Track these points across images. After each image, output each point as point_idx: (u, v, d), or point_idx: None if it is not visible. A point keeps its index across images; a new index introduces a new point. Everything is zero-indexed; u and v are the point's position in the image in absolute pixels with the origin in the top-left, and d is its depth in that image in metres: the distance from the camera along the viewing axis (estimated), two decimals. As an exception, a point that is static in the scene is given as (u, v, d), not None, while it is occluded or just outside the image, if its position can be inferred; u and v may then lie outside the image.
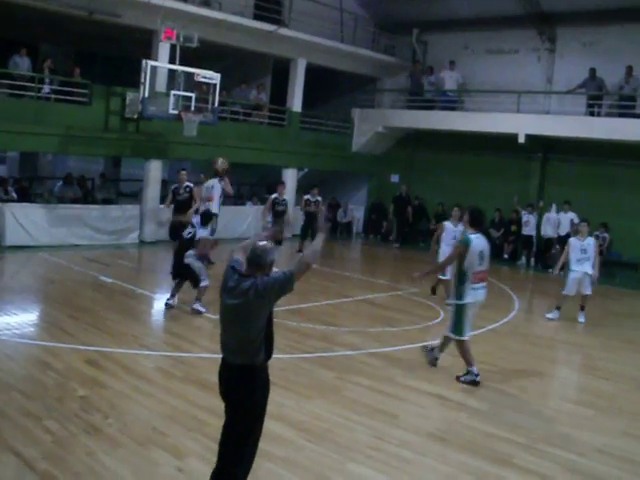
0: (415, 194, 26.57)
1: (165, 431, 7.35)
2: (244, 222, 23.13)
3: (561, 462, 7.52)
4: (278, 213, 18.64)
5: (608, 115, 22.49)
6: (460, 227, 14.44)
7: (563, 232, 21.68)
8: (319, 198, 20.44)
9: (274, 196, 18.79)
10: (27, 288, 14.21)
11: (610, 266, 21.54)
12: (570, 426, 8.61)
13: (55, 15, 18.63)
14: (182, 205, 16.90)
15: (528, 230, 23.05)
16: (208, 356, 10.05)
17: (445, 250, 14.68)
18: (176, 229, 15.79)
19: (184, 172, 17.62)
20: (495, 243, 24.07)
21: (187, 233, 12.88)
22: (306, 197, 20.51)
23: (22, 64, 19.35)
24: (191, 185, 17.28)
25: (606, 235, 21.82)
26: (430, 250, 15.77)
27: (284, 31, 22.78)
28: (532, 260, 23.29)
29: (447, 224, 15.45)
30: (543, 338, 13.60)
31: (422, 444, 7.65)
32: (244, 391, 5.49)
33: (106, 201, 22.19)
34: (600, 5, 22.15)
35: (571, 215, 21.75)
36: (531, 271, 22.71)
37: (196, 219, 13.01)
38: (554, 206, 22.40)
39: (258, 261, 5.57)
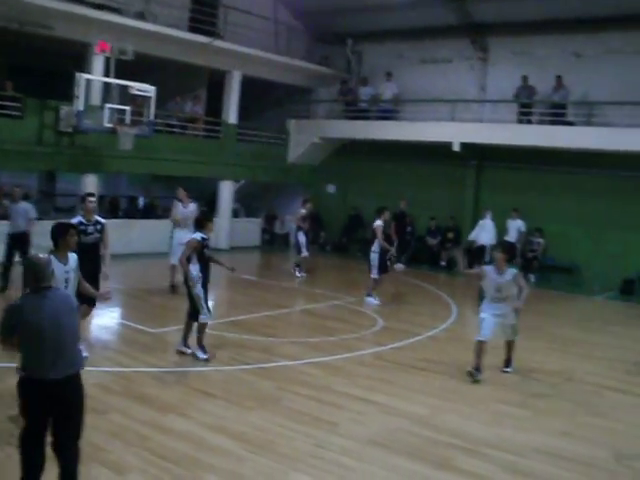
0: (352, 204, 26.74)
1: (105, 447, 7.30)
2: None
3: (501, 463, 7.68)
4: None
5: (540, 123, 22.88)
6: (507, 276, 10.86)
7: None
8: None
9: None
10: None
11: (545, 270, 21.98)
12: (509, 428, 8.77)
13: (-16, 28, 18.41)
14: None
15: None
16: (148, 370, 10.04)
17: None
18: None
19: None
20: (432, 251, 24.43)
21: None
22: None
23: (-48, 77, 19.12)
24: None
25: (541, 240, 22.27)
26: None
27: (219, 43, 22.77)
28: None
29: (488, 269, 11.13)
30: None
31: (363, 451, 7.72)
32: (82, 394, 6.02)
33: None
34: (530, 16, 22.58)
35: (519, 223, 22.13)
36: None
37: None
38: (489, 213, 22.50)
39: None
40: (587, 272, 22.00)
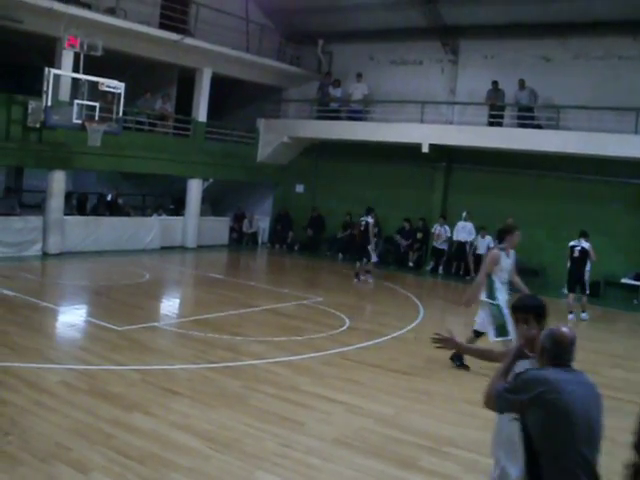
0: (315, 204, 26.82)
1: (69, 445, 7.23)
2: (148, 234, 22.96)
3: (465, 463, 7.72)
4: None
5: (508, 126, 23.02)
6: None
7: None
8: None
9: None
10: None
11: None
12: (473, 428, 8.79)
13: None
14: None
15: (442, 245, 23.48)
16: (113, 368, 9.98)
17: None
18: None
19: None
20: (401, 251, 24.53)
21: None
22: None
23: None
24: None
25: (507, 243, 22.43)
26: None
27: (189, 41, 22.67)
28: (440, 268, 23.72)
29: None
30: (447, 344, 13.84)
31: (328, 450, 7.72)
32: None
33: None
34: (501, 19, 22.74)
35: (488, 240, 22.51)
36: (438, 279, 23.10)
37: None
38: (469, 215, 23.13)
39: None
40: (553, 274, 22.16)
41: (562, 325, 4.49)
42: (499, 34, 23.44)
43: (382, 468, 7.40)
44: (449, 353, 12.40)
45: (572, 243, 17.55)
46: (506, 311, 10.82)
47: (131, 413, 8.28)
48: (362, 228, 20.44)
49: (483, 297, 11.39)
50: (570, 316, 16.94)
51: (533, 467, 4.17)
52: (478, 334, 11.27)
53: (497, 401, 4.42)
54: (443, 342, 5.61)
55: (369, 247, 20.41)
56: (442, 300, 19.93)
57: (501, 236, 11.52)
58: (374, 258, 20.70)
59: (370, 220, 20.35)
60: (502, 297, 11.14)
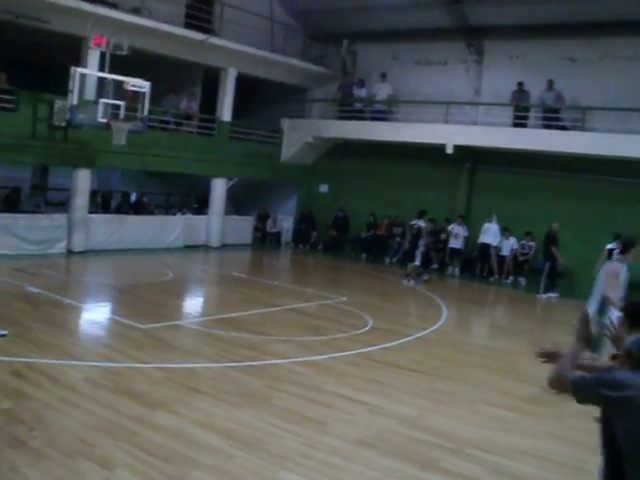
0: (340, 205, 26.79)
1: (93, 442, 7.25)
2: (172, 233, 23.03)
3: (488, 465, 7.67)
4: None
5: (534, 127, 22.91)
6: None
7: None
8: None
9: None
10: (-49, 298, 13.91)
11: (536, 274, 21.94)
12: (497, 430, 8.78)
13: (-20, 20, 18.30)
14: None
15: (457, 243, 23.42)
16: (137, 366, 10.01)
17: None
18: None
19: None
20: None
21: None
22: None
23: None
24: None
25: (532, 244, 22.30)
26: None
27: (214, 40, 22.74)
28: (457, 270, 23.65)
29: None
30: (470, 345, 13.83)
31: (351, 450, 7.70)
32: None
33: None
34: (526, 20, 22.63)
35: (512, 241, 22.55)
36: (462, 280, 23.00)
37: None
38: (494, 216, 22.99)
39: None
40: (579, 277, 22.00)
41: None
42: (524, 34, 23.31)
43: (404, 469, 7.38)
44: (475, 357, 12.39)
45: (609, 246, 17.34)
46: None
47: (155, 411, 8.30)
48: (414, 232, 20.65)
49: (591, 309, 10.60)
50: None
51: (614, 471, 4.03)
52: None
53: (578, 387, 4.19)
54: (549, 356, 5.31)
55: (417, 251, 20.57)
56: (465, 301, 19.84)
57: (627, 248, 10.72)
58: (417, 262, 20.73)
59: (422, 224, 20.55)
60: (613, 315, 10.62)
